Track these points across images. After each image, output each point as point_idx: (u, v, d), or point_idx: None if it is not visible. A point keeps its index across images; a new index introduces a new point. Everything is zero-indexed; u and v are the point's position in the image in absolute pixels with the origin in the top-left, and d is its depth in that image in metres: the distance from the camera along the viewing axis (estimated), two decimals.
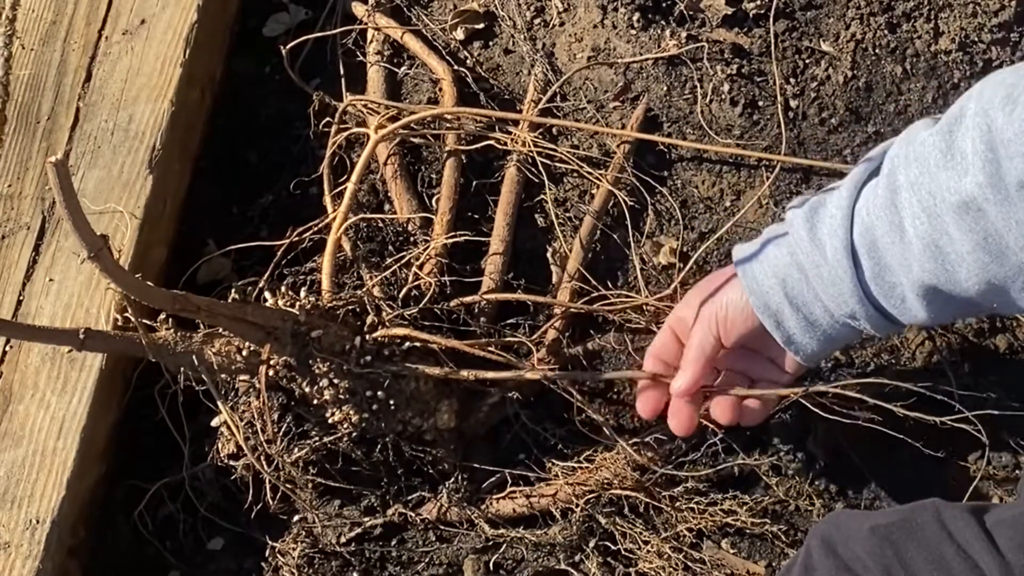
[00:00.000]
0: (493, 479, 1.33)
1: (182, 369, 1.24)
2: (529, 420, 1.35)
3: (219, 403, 1.27)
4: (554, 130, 1.51)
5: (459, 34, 1.59)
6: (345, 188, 1.40)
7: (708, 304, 1.11)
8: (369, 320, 1.28)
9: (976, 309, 0.97)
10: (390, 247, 1.41)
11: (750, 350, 1.15)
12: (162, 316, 1.21)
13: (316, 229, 1.40)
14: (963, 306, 0.95)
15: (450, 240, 1.40)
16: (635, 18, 1.54)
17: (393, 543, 1.34)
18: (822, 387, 1.19)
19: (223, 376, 1.27)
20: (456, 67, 1.55)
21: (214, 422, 1.33)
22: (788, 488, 1.33)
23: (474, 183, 1.48)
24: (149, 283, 1.13)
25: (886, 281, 0.94)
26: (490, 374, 1.28)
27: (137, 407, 1.39)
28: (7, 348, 1.36)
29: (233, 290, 1.23)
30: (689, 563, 1.28)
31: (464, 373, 1.26)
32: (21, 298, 1.38)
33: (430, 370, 1.26)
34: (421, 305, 1.33)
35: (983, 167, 0.82)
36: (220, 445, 1.32)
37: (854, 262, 0.95)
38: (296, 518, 1.35)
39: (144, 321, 1.19)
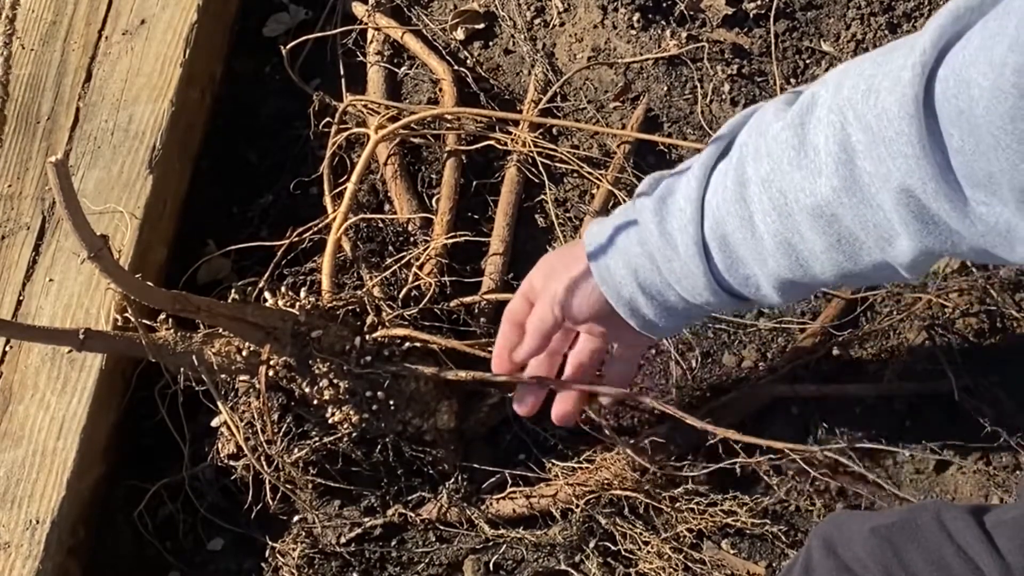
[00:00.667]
0: (493, 479, 1.33)
1: (182, 369, 1.24)
2: (529, 420, 1.35)
3: (219, 403, 1.27)
4: (554, 130, 1.51)
5: (459, 34, 1.60)
6: (345, 188, 1.40)
7: (552, 281, 1.07)
8: (369, 320, 1.28)
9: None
10: (390, 247, 1.41)
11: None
12: (162, 316, 1.21)
13: (316, 229, 1.40)
14: (820, 289, 0.93)
15: (450, 240, 1.40)
16: (635, 18, 1.54)
17: (393, 543, 1.34)
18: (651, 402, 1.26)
19: (223, 376, 1.27)
20: (456, 67, 1.55)
21: (214, 422, 1.33)
22: (788, 488, 1.33)
23: (474, 183, 1.48)
24: (149, 283, 1.13)
25: (740, 273, 0.91)
26: (489, 376, 1.28)
27: (137, 407, 1.39)
28: (7, 348, 1.36)
29: (233, 290, 1.23)
30: (689, 563, 1.28)
31: (463, 374, 1.26)
32: (21, 298, 1.38)
33: (430, 370, 1.26)
34: (421, 305, 1.33)
35: (836, 169, 0.78)
36: (220, 445, 1.32)
37: (706, 256, 0.91)
38: (296, 518, 1.35)
39: (144, 321, 1.19)
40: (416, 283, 1.35)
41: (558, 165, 1.46)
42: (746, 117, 0.92)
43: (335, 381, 1.24)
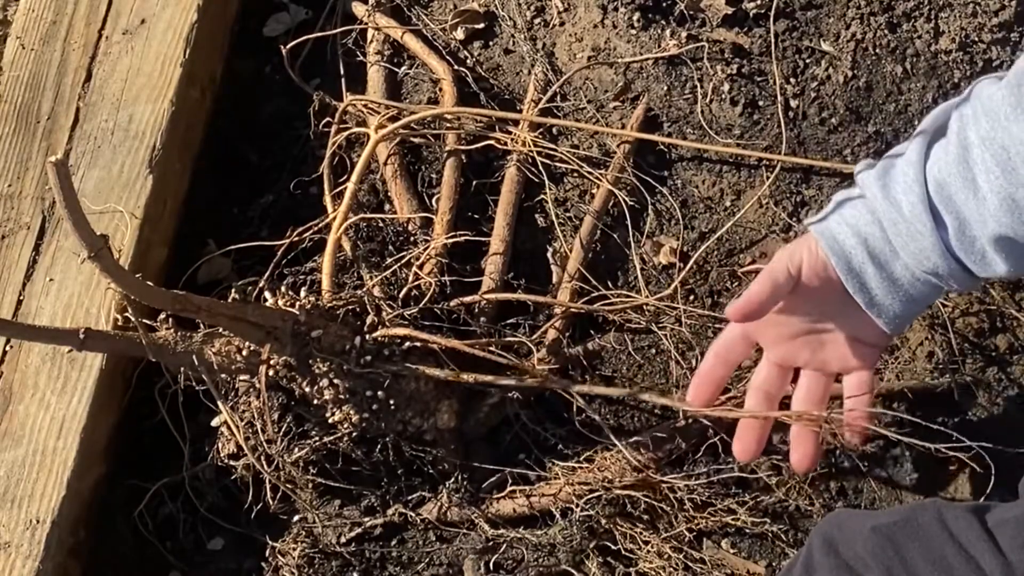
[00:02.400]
0: (493, 479, 1.33)
1: (182, 369, 1.24)
2: (529, 420, 1.35)
3: (219, 403, 1.27)
4: (554, 130, 1.51)
5: (459, 34, 1.59)
6: (345, 188, 1.40)
7: (783, 253, 1.06)
8: (369, 320, 1.28)
9: None
10: (390, 247, 1.41)
11: (820, 335, 1.11)
12: (162, 316, 1.21)
13: (316, 229, 1.40)
14: None
15: (450, 240, 1.40)
16: (635, 18, 1.54)
17: (393, 543, 1.34)
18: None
19: (223, 376, 1.27)
20: (456, 67, 1.55)
21: (214, 422, 1.33)
22: (788, 488, 1.33)
23: (474, 183, 1.48)
24: (149, 283, 1.13)
25: (966, 236, 0.93)
26: (490, 378, 1.28)
27: (137, 407, 1.39)
28: (7, 348, 1.36)
29: (233, 290, 1.23)
30: (689, 563, 1.28)
31: (464, 377, 1.26)
32: (21, 298, 1.38)
33: (430, 371, 1.26)
34: (421, 305, 1.33)
35: None
36: (220, 445, 1.32)
37: (933, 217, 0.93)
38: (296, 518, 1.35)
39: (144, 321, 1.19)
40: (416, 283, 1.35)
41: (558, 165, 1.46)
42: (949, 106, 0.97)
43: (335, 381, 1.24)
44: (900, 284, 1.01)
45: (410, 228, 1.44)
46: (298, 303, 1.24)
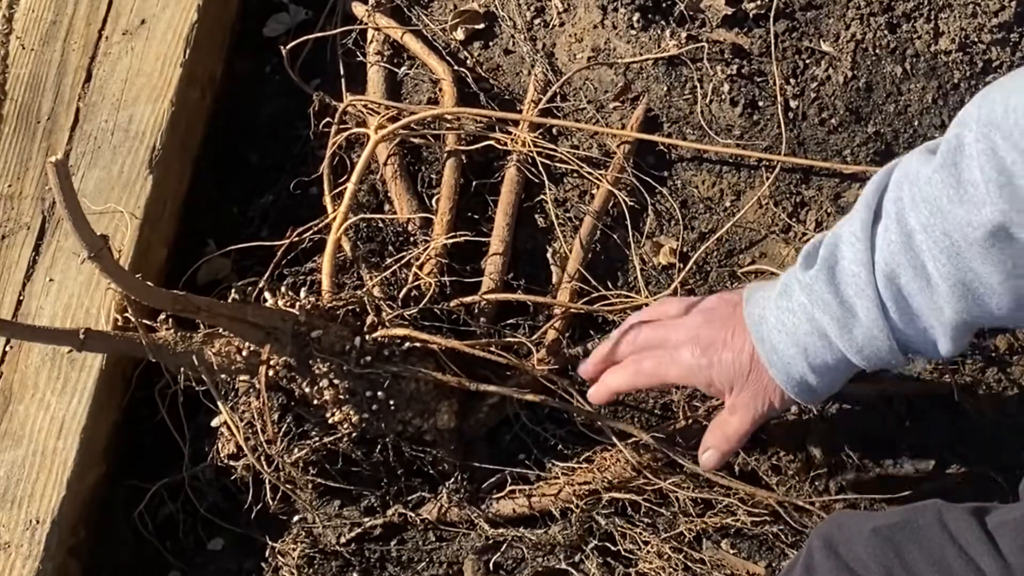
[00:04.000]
0: (493, 479, 1.33)
1: (182, 369, 1.24)
2: (529, 420, 1.35)
3: (219, 403, 1.27)
4: (554, 130, 1.51)
5: (459, 34, 1.59)
6: (345, 188, 1.40)
7: (706, 331, 1.08)
8: (369, 320, 1.28)
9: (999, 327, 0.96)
10: (390, 247, 1.41)
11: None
12: (162, 316, 1.21)
13: (316, 229, 1.40)
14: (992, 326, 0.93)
15: (450, 240, 1.40)
16: (635, 18, 1.54)
17: (393, 543, 1.34)
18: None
19: (223, 376, 1.27)
20: (456, 67, 1.55)
21: (214, 422, 1.33)
22: (788, 488, 1.33)
23: (474, 183, 1.48)
24: (149, 283, 1.13)
25: (917, 327, 0.91)
26: (493, 388, 1.28)
27: (137, 407, 1.39)
28: (7, 348, 1.36)
29: (233, 290, 1.23)
30: (689, 563, 1.28)
31: (466, 383, 1.27)
32: (21, 298, 1.38)
33: (430, 373, 1.26)
34: (421, 305, 1.33)
35: (1000, 192, 0.79)
36: (220, 445, 1.32)
37: (885, 315, 0.92)
38: (296, 518, 1.35)
39: (144, 321, 1.19)
40: (416, 283, 1.35)
41: (558, 165, 1.46)
42: (886, 175, 0.93)
43: (335, 381, 1.24)
44: (839, 376, 1.00)
45: (410, 228, 1.44)
46: (298, 303, 1.24)
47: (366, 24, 1.60)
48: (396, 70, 1.59)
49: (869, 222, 0.92)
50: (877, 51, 1.50)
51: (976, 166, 0.81)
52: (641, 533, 1.29)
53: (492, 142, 1.47)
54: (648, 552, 1.28)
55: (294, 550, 1.32)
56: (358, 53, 1.59)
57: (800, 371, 1.00)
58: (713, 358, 1.06)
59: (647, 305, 1.36)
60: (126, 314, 1.20)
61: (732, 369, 1.04)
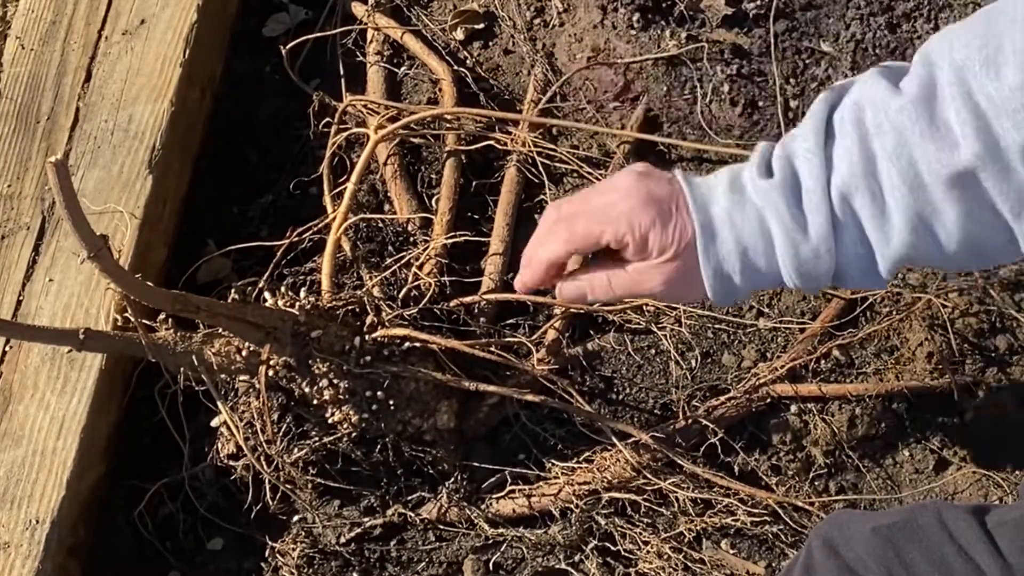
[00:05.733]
0: (493, 479, 1.33)
1: (182, 369, 1.24)
2: (529, 420, 1.35)
3: (219, 403, 1.27)
4: (554, 130, 1.51)
5: (459, 34, 1.59)
6: (345, 188, 1.40)
7: (631, 203, 0.96)
8: (369, 320, 1.28)
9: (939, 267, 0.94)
10: (390, 247, 1.41)
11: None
12: (162, 316, 1.21)
13: (316, 229, 1.40)
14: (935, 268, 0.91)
15: (450, 240, 1.40)
16: (635, 18, 1.54)
17: (393, 543, 1.34)
18: None
19: (223, 376, 1.26)
20: (456, 67, 1.55)
21: (214, 422, 1.33)
22: (788, 488, 1.33)
23: (474, 183, 1.48)
24: (149, 283, 1.13)
25: (857, 252, 0.89)
26: (492, 388, 1.28)
27: (137, 407, 1.39)
28: (7, 348, 1.36)
29: (233, 290, 1.23)
30: (689, 563, 1.28)
31: (465, 384, 1.27)
32: (21, 298, 1.38)
33: (430, 373, 1.26)
34: (421, 305, 1.33)
35: (976, 136, 0.79)
36: (220, 445, 1.32)
37: (836, 237, 0.89)
38: (296, 518, 1.35)
39: (144, 321, 1.19)
40: (416, 283, 1.35)
41: (558, 165, 1.46)
42: (837, 94, 0.91)
43: (335, 381, 1.24)
44: (762, 284, 0.95)
45: (410, 228, 1.44)
46: (298, 303, 1.24)
47: (366, 24, 1.60)
48: (396, 70, 1.59)
49: (823, 141, 0.90)
50: (877, 51, 1.50)
51: (951, 108, 0.81)
52: (641, 533, 1.29)
53: (492, 142, 1.47)
54: (648, 552, 1.28)
55: (294, 550, 1.32)
56: (358, 53, 1.59)
57: (731, 267, 0.94)
58: (656, 218, 0.95)
59: (646, 305, 1.37)
60: (126, 314, 1.20)
61: (671, 236, 0.95)
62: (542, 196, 1.47)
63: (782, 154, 0.93)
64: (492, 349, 1.30)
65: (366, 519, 1.33)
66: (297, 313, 1.22)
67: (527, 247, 1.04)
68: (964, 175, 0.82)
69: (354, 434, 1.28)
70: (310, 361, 1.23)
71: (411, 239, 1.43)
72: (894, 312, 1.38)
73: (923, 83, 0.84)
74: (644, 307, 1.38)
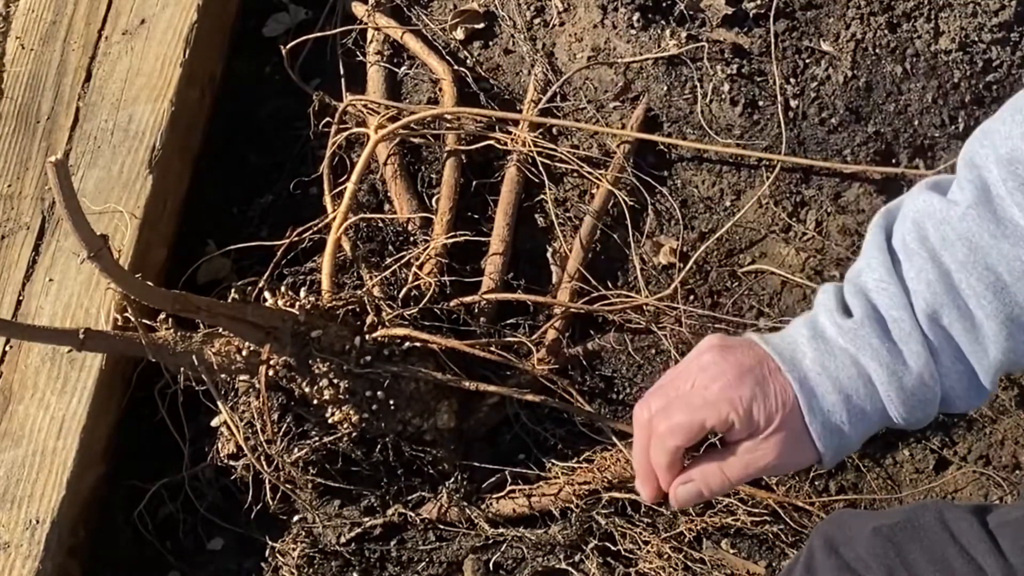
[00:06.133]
0: (493, 479, 1.33)
1: (182, 369, 1.24)
2: (529, 420, 1.35)
3: (219, 403, 1.27)
4: (554, 130, 1.50)
5: (459, 34, 1.59)
6: (345, 188, 1.40)
7: (725, 388, 0.90)
8: (369, 320, 1.28)
9: None
10: (390, 247, 1.41)
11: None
12: (162, 316, 1.21)
13: (316, 229, 1.40)
14: None
15: (450, 240, 1.40)
16: (635, 18, 1.54)
17: (393, 543, 1.34)
18: None
19: (223, 376, 1.26)
20: (456, 67, 1.55)
21: (214, 422, 1.33)
22: (788, 488, 1.33)
23: (474, 183, 1.48)
24: (149, 283, 1.13)
25: (959, 371, 0.86)
26: (492, 388, 1.28)
27: (137, 407, 1.39)
28: (7, 348, 1.36)
29: (233, 290, 1.23)
30: (689, 563, 1.28)
31: (465, 384, 1.27)
32: (21, 298, 1.38)
33: (430, 373, 1.26)
34: (421, 305, 1.33)
35: None
36: (220, 445, 1.32)
37: (936, 361, 0.86)
38: (296, 518, 1.35)
39: (144, 321, 1.19)
40: (416, 283, 1.35)
41: (558, 165, 1.46)
42: (888, 216, 0.89)
43: (335, 381, 1.24)
44: (869, 426, 0.89)
45: (410, 228, 1.44)
46: (298, 303, 1.24)
47: (366, 24, 1.60)
48: (396, 70, 1.59)
49: (891, 268, 0.87)
50: (877, 51, 1.50)
51: (1011, 203, 0.80)
52: (641, 533, 1.29)
53: (492, 142, 1.47)
54: (648, 552, 1.28)
55: (294, 550, 1.32)
56: (358, 53, 1.59)
57: (839, 418, 0.89)
58: (755, 388, 0.90)
59: (647, 304, 1.36)
60: (126, 314, 1.20)
61: (776, 402, 0.90)
62: (542, 196, 1.47)
63: (855, 291, 0.89)
64: (492, 349, 1.30)
65: (366, 519, 1.33)
66: (297, 313, 1.22)
67: (634, 457, 0.97)
68: None
69: (354, 434, 1.28)
70: (310, 361, 1.23)
71: (411, 239, 1.43)
72: None
73: (976, 186, 0.83)
74: (644, 307, 1.38)
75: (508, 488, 1.32)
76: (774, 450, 0.90)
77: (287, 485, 1.30)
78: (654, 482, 0.94)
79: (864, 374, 0.88)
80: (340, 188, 1.43)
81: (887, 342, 0.87)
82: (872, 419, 0.88)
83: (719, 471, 0.91)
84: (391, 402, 1.26)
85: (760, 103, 1.49)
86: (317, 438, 1.28)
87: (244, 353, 1.23)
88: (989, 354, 0.85)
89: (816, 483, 1.34)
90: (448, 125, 1.50)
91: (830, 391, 0.88)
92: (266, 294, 1.29)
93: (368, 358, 1.25)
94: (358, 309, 1.30)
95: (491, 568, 1.31)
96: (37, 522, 1.26)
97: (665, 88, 1.51)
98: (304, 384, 1.24)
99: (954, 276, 0.84)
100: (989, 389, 0.87)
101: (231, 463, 1.32)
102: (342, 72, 1.59)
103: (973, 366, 0.86)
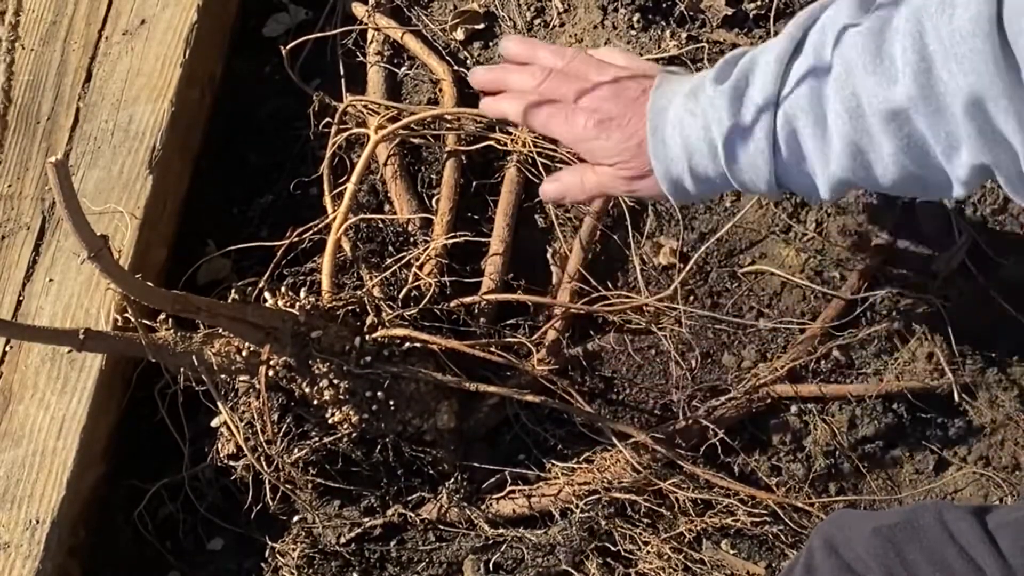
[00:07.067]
0: (493, 479, 1.33)
1: (182, 369, 1.24)
2: (529, 420, 1.35)
3: (219, 403, 1.27)
4: None
5: (459, 34, 1.59)
6: (345, 188, 1.40)
7: (605, 102, 1.05)
8: (369, 320, 1.28)
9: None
10: (390, 247, 1.41)
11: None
12: (162, 316, 1.21)
13: (316, 229, 1.40)
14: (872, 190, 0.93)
15: (450, 240, 1.40)
16: (635, 19, 1.54)
17: (393, 543, 1.34)
18: None
19: (223, 376, 1.27)
20: (456, 67, 1.55)
21: (214, 422, 1.33)
22: (788, 488, 1.33)
23: (474, 183, 1.48)
24: (149, 283, 1.13)
25: (801, 171, 0.92)
26: (492, 388, 1.28)
27: (137, 407, 1.39)
28: (7, 348, 1.36)
29: (233, 290, 1.23)
30: (689, 564, 1.28)
31: (466, 384, 1.27)
32: (21, 298, 1.38)
33: (430, 373, 1.26)
34: (421, 305, 1.33)
35: (915, 77, 0.79)
36: (220, 445, 1.32)
37: (774, 151, 0.92)
38: (296, 518, 1.35)
39: (144, 321, 1.19)
40: (416, 283, 1.35)
41: (558, 165, 1.46)
42: (818, 10, 0.92)
43: (335, 381, 1.24)
44: (713, 188, 1.00)
45: (410, 229, 1.44)
46: (298, 304, 1.24)
47: (366, 24, 1.60)
48: (396, 70, 1.59)
49: (788, 54, 0.92)
50: None
51: (899, 44, 0.81)
52: (641, 533, 1.29)
53: (492, 142, 1.47)
54: (648, 552, 1.28)
55: (294, 550, 1.32)
56: (358, 53, 1.59)
57: (679, 172, 0.99)
58: (603, 133, 1.05)
59: (647, 305, 1.36)
60: (126, 314, 1.20)
61: (616, 148, 1.04)
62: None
63: (747, 62, 0.95)
64: (492, 349, 1.30)
65: (366, 519, 1.33)
66: (297, 313, 1.23)
67: (501, 68, 1.14)
68: (898, 113, 0.82)
69: (354, 434, 1.28)
70: (310, 361, 1.23)
71: (411, 239, 1.43)
72: (894, 312, 1.38)
73: (882, 17, 0.84)
74: (644, 308, 1.38)
75: (508, 488, 1.32)
76: (609, 182, 1.07)
77: (287, 485, 1.30)
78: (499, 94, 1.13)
79: (710, 140, 0.96)
80: (340, 188, 1.43)
81: (734, 118, 0.94)
82: (716, 182, 0.98)
83: (580, 180, 1.10)
84: (391, 402, 1.26)
85: None
86: (317, 438, 1.29)
87: (244, 353, 1.23)
88: (830, 166, 0.89)
89: (816, 483, 1.34)
90: (448, 125, 1.50)
91: (677, 145, 0.98)
92: (266, 294, 1.30)
93: (368, 359, 1.25)
94: (358, 310, 1.30)
95: (491, 568, 1.32)
96: (37, 522, 1.26)
97: None
98: (304, 384, 1.24)
99: (826, 88, 0.88)
100: (831, 195, 0.92)
101: (231, 463, 1.32)
102: (342, 72, 1.59)
103: (816, 170, 0.91)
